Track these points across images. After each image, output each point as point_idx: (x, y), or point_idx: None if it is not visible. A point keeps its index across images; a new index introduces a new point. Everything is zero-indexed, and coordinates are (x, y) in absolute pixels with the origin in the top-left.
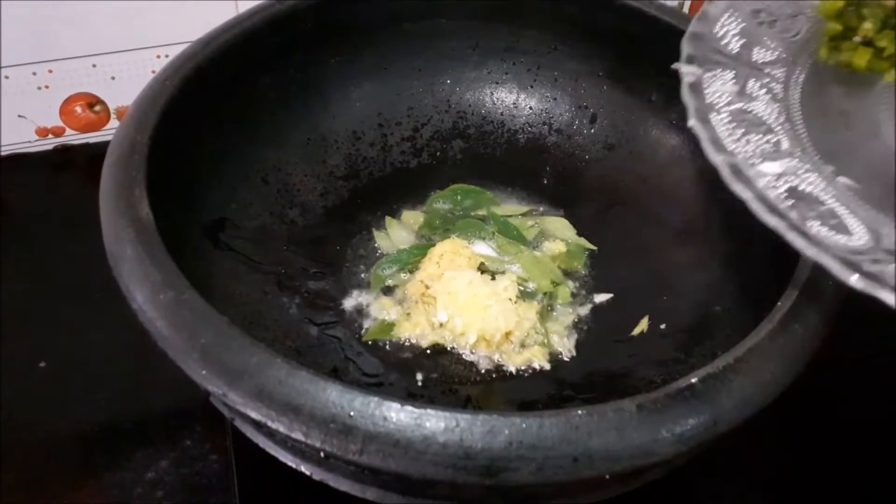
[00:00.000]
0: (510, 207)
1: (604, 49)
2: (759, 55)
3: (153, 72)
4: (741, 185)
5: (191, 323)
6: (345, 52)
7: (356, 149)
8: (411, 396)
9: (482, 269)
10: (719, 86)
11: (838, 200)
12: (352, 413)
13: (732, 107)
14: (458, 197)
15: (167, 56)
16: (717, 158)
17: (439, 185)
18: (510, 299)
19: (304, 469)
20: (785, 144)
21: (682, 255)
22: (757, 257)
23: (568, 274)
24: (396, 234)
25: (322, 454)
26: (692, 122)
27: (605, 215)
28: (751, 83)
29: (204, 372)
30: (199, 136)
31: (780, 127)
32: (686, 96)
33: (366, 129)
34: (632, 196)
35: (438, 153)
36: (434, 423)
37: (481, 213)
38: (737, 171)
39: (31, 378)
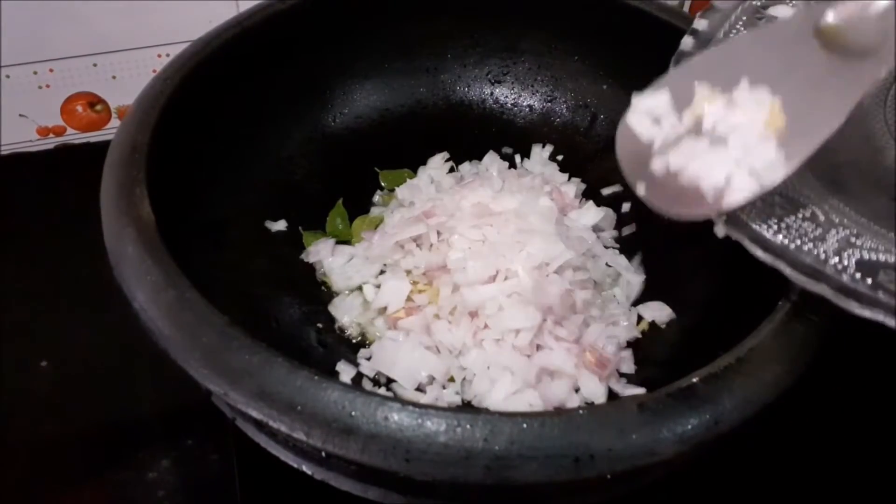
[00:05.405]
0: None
1: (604, 48)
2: None
3: (154, 71)
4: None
5: (192, 322)
6: (346, 51)
7: (358, 148)
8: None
9: None
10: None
11: None
12: (353, 413)
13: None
14: None
15: (168, 55)
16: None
17: None
18: None
19: (306, 469)
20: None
21: (682, 255)
22: None
23: None
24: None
25: (323, 454)
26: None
27: None
28: None
29: (205, 371)
30: (200, 136)
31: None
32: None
33: (367, 128)
34: (633, 195)
35: (440, 151)
36: (435, 423)
37: None
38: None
39: (32, 378)
